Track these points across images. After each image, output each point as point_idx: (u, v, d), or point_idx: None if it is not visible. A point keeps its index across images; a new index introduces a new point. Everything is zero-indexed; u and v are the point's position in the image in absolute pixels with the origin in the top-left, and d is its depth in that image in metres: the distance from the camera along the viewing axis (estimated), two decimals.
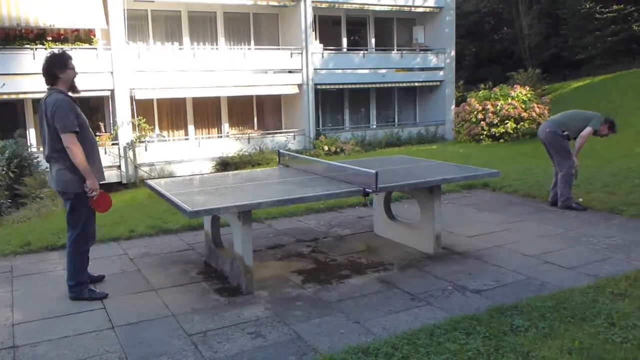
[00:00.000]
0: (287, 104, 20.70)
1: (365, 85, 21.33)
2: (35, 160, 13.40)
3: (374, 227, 6.44)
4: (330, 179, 5.36)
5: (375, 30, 22.75)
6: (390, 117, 23.41)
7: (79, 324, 4.09)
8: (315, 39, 20.47)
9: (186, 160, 17.60)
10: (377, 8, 21.16)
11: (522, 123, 17.07)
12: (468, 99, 18.83)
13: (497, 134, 17.06)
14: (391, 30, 23.28)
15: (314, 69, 19.71)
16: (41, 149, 12.47)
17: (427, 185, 5.29)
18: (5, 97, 15.39)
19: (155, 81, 16.98)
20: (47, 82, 4.45)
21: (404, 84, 22.12)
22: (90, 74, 15.55)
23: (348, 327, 3.90)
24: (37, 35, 15.91)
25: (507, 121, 16.99)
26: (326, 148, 18.45)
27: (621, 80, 21.99)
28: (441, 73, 22.46)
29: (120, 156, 16.73)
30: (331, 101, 21.77)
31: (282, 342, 3.70)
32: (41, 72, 4.45)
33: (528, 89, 18.45)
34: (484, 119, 17.25)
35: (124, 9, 16.52)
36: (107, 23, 16.30)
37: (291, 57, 19.30)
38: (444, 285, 4.67)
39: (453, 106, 22.16)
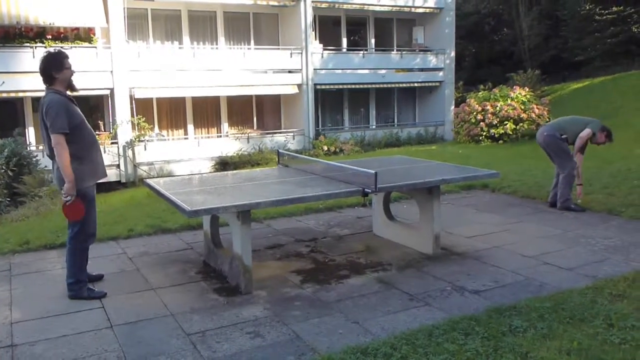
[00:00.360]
0: (286, 104, 20.70)
1: (365, 86, 21.35)
2: (34, 159, 13.40)
3: (373, 227, 6.44)
4: (329, 179, 5.36)
5: (375, 30, 22.76)
6: (389, 117, 23.42)
7: (78, 323, 4.09)
8: (315, 39, 20.47)
9: (185, 159, 17.60)
10: (377, 8, 21.18)
11: (521, 124, 17.09)
12: (467, 100, 18.84)
13: (496, 135, 17.07)
14: (391, 30, 23.29)
15: (314, 69, 19.72)
16: (40, 147, 12.39)
17: (427, 186, 5.29)
18: (4, 95, 15.39)
19: (154, 80, 16.99)
20: (45, 82, 4.46)
21: (404, 85, 22.13)
22: (90, 72, 15.57)
23: (347, 327, 3.90)
24: (36, 34, 15.92)
25: (506, 122, 17.01)
26: (325, 148, 18.46)
27: (621, 81, 22.03)
28: (441, 74, 22.48)
29: (119, 155, 16.74)
30: (331, 101, 21.78)
31: (281, 342, 3.70)
32: (38, 72, 4.46)
33: (527, 90, 18.47)
34: (483, 120, 17.26)
35: (124, 8, 16.52)
36: (107, 22, 16.31)
37: (291, 57, 19.31)
38: (443, 285, 4.67)
39: (452, 107, 22.18)
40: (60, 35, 16.38)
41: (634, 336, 3.48)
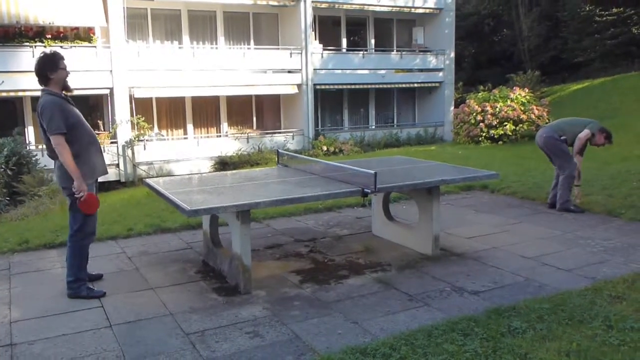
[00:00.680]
0: (286, 104, 20.70)
1: (365, 86, 21.36)
2: (33, 158, 13.41)
3: (373, 227, 6.44)
4: (329, 179, 5.36)
5: (375, 30, 22.77)
6: (389, 117, 23.43)
7: (77, 322, 4.08)
8: (315, 39, 20.48)
9: (185, 159, 17.60)
10: (377, 9, 21.19)
11: (521, 125, 17.10)
12: (467, 101, 18.85)
13: (495, 136, 17.08)
14: (391, 31, 23.30)
15: (314, 69, 19.72)
16: (40, 146, 12.39)
17: (426, 186, 5.29)
18: (4, 94, 15.39)
19: (154, 80, 16.98)
20: (40, 83, 4.49)
21: (403, 85, 22.14)
22: (90, 72, 15.57)
23: (346, 327, 3.90)
24: (36, 33, 15.91)
25: (506, 123, 17.02)
26: (325, 148, 18.46)
27: (620, 83, 22.05)
28: (440, 74, 22.49)
29: (118, 155, 16.74)
30: (330, 101, 21.78)
31: (280, 341, 3.70)
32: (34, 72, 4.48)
33: (527, 91, 18.48)
34: (483, 121, 17.27)
35: (123, 7, 16.52)
36: (107, 21, 16.31)
37: (291, 57, 19.31)
38: (442, 286, 4.67)
39: (452, 107, 22.20)
40: (60, 34, 16.37)
41: (633, 338, 3.48)
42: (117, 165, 16.70)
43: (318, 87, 20.03)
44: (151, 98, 17.95)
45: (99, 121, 17.64)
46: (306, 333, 3.82)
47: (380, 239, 6.13)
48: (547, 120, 16.53)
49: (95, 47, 16.42)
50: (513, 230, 6.41)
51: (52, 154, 4.50)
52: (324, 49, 20.42)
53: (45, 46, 15.16)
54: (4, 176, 12.27)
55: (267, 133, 19.55)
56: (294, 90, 19.39)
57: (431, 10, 22.22)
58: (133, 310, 4.28)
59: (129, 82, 16.72)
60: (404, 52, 22.05)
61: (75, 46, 15.90)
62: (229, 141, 18.71)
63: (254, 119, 20.49)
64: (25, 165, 12.94)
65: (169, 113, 19.04)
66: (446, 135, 22.00)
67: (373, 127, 22.41)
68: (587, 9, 26.02)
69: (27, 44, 15.42)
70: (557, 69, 28.42)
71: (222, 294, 4.61)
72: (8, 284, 4.97)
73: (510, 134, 17.00)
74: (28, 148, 14.69)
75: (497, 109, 17.18)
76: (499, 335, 3.58)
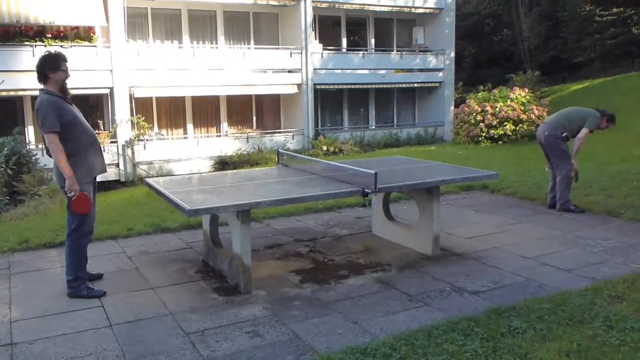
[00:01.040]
0: (286, 104, 20.70)
1: (365, 86, 21.35)
2: (33, 158, 13.40)
3: (373, 227, 6.44)
4: (329, 179, 5.36)
5: (375, 30, 22.76)
6: (389, 117, 23.43)
7: (77, 322, 4.08)
8: (315, 39, 20.47)
9: (185, 158, 17.60)
10: (377, 9, 21.18)
11: (520, 125, 17.10)
12: (467, 101, 18.85)
13: (495, 136, 17.09)
14: (391, 31, 23.29)
15: (314, 68, 19.72)
16: (40, 146, 12.36)
17: (426, 186, 5.29)
18: (4, 94, 15.38)
19: (154, 79, 16.98)
20: (39, 81, 4.51)
21: (403, 85, 22.13)
22: (90, 71, 15.57)
23: (346, 327, 3.90)
24: (36, 33, 15.91)
25: (506, 123, 17.02)
26: (325, 148, 18.46)
27: (620, 83, 22.04)
28: (440, 74, 22.48)
29: (118, 154, 16.74)
30: (330, 101, 21.78)
31: (280, 341, 3.70)
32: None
33: (527, 91, 18.49)
34: (482, 121, 17.27)
35: (124, 7, 16.52)
36: (107, 21, 16.30)
37: (291, 56, 19.31)
38: (442, 286, 4.67)
39: (452, 107, 22.19)
40: (60, 34, 16.37)
41: (633, 338, 3.48)
42: (117, 165, 16.70)
43: (318, 86, 20.02)
44: (151, 98, 17.95)
45: (99, 121, 17.63)
46: (306, 333, 3.82)
47: (380, 239, 6.13)
48: None
49: (95, 46, 16.41)
50: (513, 230, 6.41)
51: (49, 153, 4.52)
52: (324, 49, 20.42)
53: (45, 45, 15.15)
54: (4, 175, 12.27)
55: (267, 133, 19.55)
56: (294, 90, 19.38)
57: (431, 10, 22.22)
58: (133, 310, 4.28)
59: (129, 82, 16.71)
60: (404, 52, 22.04)
61: (75, 45, 15.90)
62: (228, 141, 18.71)
63: (254, 118, 20.48)
64: (25, 165, 12.94)
65: (169, 113, 19.04)
66: (446, 135, 22.00)
67: (373, 127, 22.41)
68: (587, 8, 26.01)
69: (28, 43, 15.41)
70: (557, 69, 28.41)
71: (222, 293, 4.61)
72: (8, 283, 4.97)
73: (510, 134, 17.00)
74: (28, 147, 14.68)
75: (497, 109, 17.18)
76: (499, 335, 3.58)
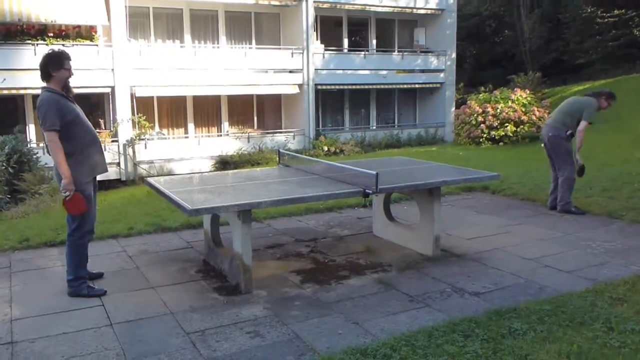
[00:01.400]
0: (287, 104, 20.70)
1: (366, 86, 21.35)
2: (34, 156, 13.41)
3: (373, 228, 6.44)
4: (330, 179, 5.36)
5: (377, 31, 22.76)
6: (390, 118, 23.42)
7: (78, 321, 4.09)
8: (317, 39, 20.47)
9: (186, 158, 17.60)
10: (379, 9, 21.17)
11: (522, 126, 17.09)
12: (468, 102, 18.84)
13: (497, 137, 17.07)
14: (392, 31, 23.29)
15: (315, 69, 19.71)
16: (41, 144, 12.34)
17: (427, 187, 5.30)
18: (5, 92, 15.39)
19: (155, 79, 16.98)
20: (42, 79, 4.51)
21: (405, 86, 22.12)
22: (91, 70, 15.58)
23: (346, 327, 3.90)
24: (38, 31, 15.91)
25: (507, 124, 17.01)
26: (326, 148, 18.45)
27: (622, 84, 22.00)
28: (442, 75, 22.47)
29: (119, 153, 16.74)
30: (331, 101, 21.77)
31: (281, 341, 3.70)
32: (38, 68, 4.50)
33: (528, 92, 18.47)
34: (484, 122, 17.26)
35: (125, 6, 16.52)
36: (109, 20, 16.30)
37: (292, 56, 19.30)
38: (443, 287, 4.67)
39: (453, 108, 22.18)
40: (62, 33, 16.36)
41: (634, 340, 3.48)
42: (118, 164, 16.70)
43: (319, 87, 20.02)
44: (152, 97, 17.95)
45: (100, 120, 17.63)
46: (307, 333, 3.82)
47: (381, 240, 6.13)
48: None
49: (97, 45, 16.41)
50: (514, 231, 6.41)
51: (49, 151, 4.51)
52: (325, 49, 20.41)
53: (47, 44, 15.15)
54: (5, 174, 12.27)
55: (268, 133, 19.55)
56: (295, 90, 19.38)
57: (433, 11, 22.21)
58: (134, 309, 4.28)
59: (131, 81, 16.71)
60: (405, 53, 22.03)
61: (77, 44, 15.89)
62: (229, 140, 18.70)
63: (255, 118, 20.48)
64: (26, 163, 12.94)
65: (170, 112, 19.04)
66: (447, 136, 21.98)
67: (374, 127, 22.40)
68: (589, 10, 25.98)
69: (29, 42, 15.41)
70: (558, 70, 28.39)
71: (222, 293, 4.61)
72: (9, 281, 4.98)
73: (511, 135, 16.99)
74: (29, 146, 14.68)
75: (498, 110, 17.17)
76: (500, 336, 3.58)
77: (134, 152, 16.81)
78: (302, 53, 19.38)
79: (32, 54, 15.01)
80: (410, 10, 21.76)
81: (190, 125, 19.23)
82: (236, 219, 4.52)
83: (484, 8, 32.62)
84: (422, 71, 22.14)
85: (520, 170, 10.60)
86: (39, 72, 4.50)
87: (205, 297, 4.53)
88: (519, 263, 5.25)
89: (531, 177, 9.57)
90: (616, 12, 25.15)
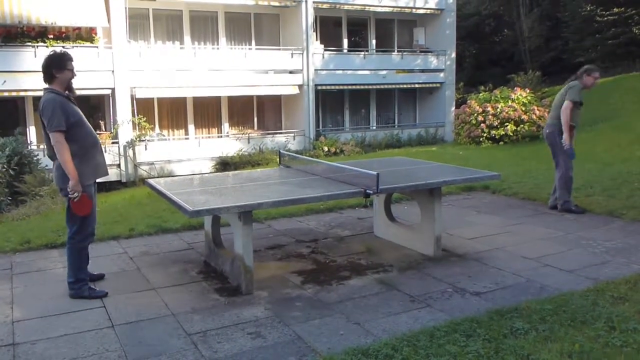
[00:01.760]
0: (287, 105, 20.71)
1: (366, 87, 21.36)
2: (35, 158, 13.41)
3: (374, 228, 6.44)
4: (330, 180, 5.36)
5: (376, 31, 22.77)
6: (390, 118, 23.43)
7: (79, 323, 4.09)
8: (316, 40, 20.48)
9: (186, 159, 17.61)
10: (378, 9, 21.18)
11: (522, 125, 17.06)
12: (468, 101, 18.81)
13: (497, 137, 17.06)
14: (392, 31, 23.30)
15: (315, 69, 19.72)
16: (41, 146, 12.32)
17: (428, 187, 5.29)
18: (6, 94, 15.40)
19: (155, 80, 16.99)
20: (45, 80, 4.48)
21: (404, 86, 22.13)
22: (91, 72, 15.58)
23: (348, 328, 3.90)
24: (38, 33, 15.93)
25: (507, 123, 16.99)
26: (326, 149, 18.46)
27: (621, 83, 22.01)
28: (441, 75, 22.48)
29: (120, 155, 16.75)
30: (331, 102, 21.78)
31: (282, 342, 3.70)
32: (41, 69, 4.48)
33: (528, 91, 18.45)
34: (484, 121, 17.24)
35: (125, 8, 16.54)
36: (109, 21, 16.32)
37: (292, 57, 19.31)
38: (444, 287, 4.67)
39: (453, 108, 22.19)
40: (62, 34, 16.39)
41: (636, 339, 3.47)
42: (119, 166, 16.71)
43: (319, 87, 20.03)
44: (152, 98, 17.97)
45: (100, 121, 17.65)
46: (308, 334, 3.82)
47: (381, 240, 6.13)
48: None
49: (97, 47, 16.43)
50: (514, 231, 6.41)
51: (52, 154, 4.50)
52: (325, 50, 20.42)
53: (47, 46, 15.16)
54: (6, 176, 12.28)
55: (268, 133, 19.56)
56: (295, 90, 19.38)
57: (432, 10, 22.22)
58: (135, 311, 4.28)
59: (131, 82, 16.73)
60: (405, 53, 22.04)
61: (77, 46, 15.91)
62: (230, 141, 18.71)
63: (255, 119, 20.49)
64: (27, 165, 12.95)
65: (170, 113, 19.05)
66: (447, 136, 21.99)
67: (374, 127, 22.41)
68: (588, 9, 25.99)
69: (29, 44, 15.43)
70: (558, 69, 28.39)
71: (223, 294, 4.61)
72: (10, 283, 4.98)
73: (512, 134, 16.97)
74: (29, 148, 14.68)
75: (498, 110, 17.15)
76: (501, 336, 3.58)
77: (134, 153, 16.81)
78: (302, 53, 19.39)
79: (32, 56, 15.03)
80: (410, 10, 21.77)
81: (191, 127, 19.24)
82: (237, 220, 4.52)
83: (483, 7, 32.64)
84: (422, 71, 22.16)
85: (520, 169, 10.59)
86: (39, 74, 4.49)
87: (207, 298, 4.53)
88: (520, 262, 5.25)
89: (531, 177, 9.57)
90: (615, 10, 25.16)
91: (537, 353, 3.35)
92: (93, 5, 16.16)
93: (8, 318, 4.21)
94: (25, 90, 15.27)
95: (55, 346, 3.72)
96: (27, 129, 16.58)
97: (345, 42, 21.97)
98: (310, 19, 19.52)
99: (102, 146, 4.97)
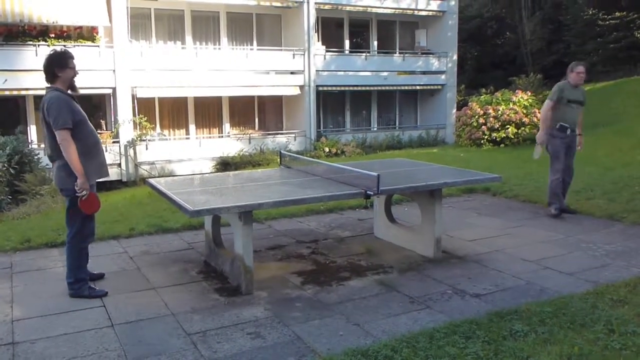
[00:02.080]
0: (288, 105, 20.71)
1: (367, 88, 21.37)
2: (35, 157, 13.42)
3: (374, 229, 6.44)
4: (331, 180, 5.37)
5: (378, 32, 22.78)
6: (391, 119, 23.43)
7: (79, 322, 4.09)
8: (318, 41, 20.49)
9: (187, 159, 17.61)
10: (380, 11, 21.19)
11: (523, 128, 17.07)
12: (469, 103, 18.81)
13: (498, 139, 17.06)
14: (393, 33, 23.31)
15: (316, 70, 19.73)
16: (42, 145, 12.32)
17: (429, 189, 5.30)
18: (7, 93, 15.41)
19: (157, 80, 17.00)
20: (47, 80, 4.46)
21: (406, 87, 22.14)
22: (93, 71, 15.59)
23: (347, 329, 3.90)
24: (39, 32, 15.94)
25: (508, 126, 16.99)
26: (327, 149, 18.46)
27: (623, 87, 22.01)
28: (443, 77, 22.48)
29: (120, 154, 16.75)
30: (332, 103, 21.79)
31: (282, 343, 3.70)
32: (42, 69, 4.47)
33: (530, 94, 18.46)
34: (485, 124, 17.24)
35: (127, 7, 16.55)
36: (110, 21, 16.33)
37: (293, 58, 19.32)
38: (444, 288, 4.67)
39: (454, 110, 22.18)
40: (63, 33, 16.40)
41: (635, 342, 3.47)
42: (119, 165, 16.72)
43: (320, 88, 20.04)
44: (154, 98, 17.97)
45: (101, 121, 17.65)
46: (308, 334, 3.82)
47: (382, 241, 6.13)
48: None
49: (98, 46, 16.44)
50: (515, 233, 6.41)
51: (52, 155, 4.48)
52: (326, 51, 20.43)
53: (48, 45, 15.18)
54: (6, 175, 12.28)
55: (269, 134, 19.56)
56: (297, 91, 19.39)
57: (434, 12, 22.23)
58: (135, 310, 4.28)
59: (132, 82, 16.74)
60: (406, 54, 22.05)
61: (78, 45, 15.92)
62: (230, 142, 18.72)
63: (256, 119, 20.50)
64: (28, 164, 12.95)
65: (171, 113, 19.06)
66: (448, 138, 21.98)
67: (375, 129, 22.41)
68: (590, 12, 25.99)
69: (31, 42, 15.44)
70: (559, 72, 28.14)
71: (223, 294, 4.61)
72: (10, 282, 4.98)
73: (513, 137, 16.97)
74: (30, 147, 14.70)
75: (500, 112, 17.15)
76: (501, 338, 3.58)
77: (135, 153, 16.82)
78: (304, 54, 19.39)
79: (33, 55, 15.04)
80: (412, 11, 21.78)
81: (192, 127, 19.25)
82: (237, 220, 4.53)
83: (485, 10, 32.63)
84: (423, 73, 22.16)
85: (521, 172, 10.59)
86: (40, 73, 4.49)
87: (206, 298, 4.53)
88: (520, 265, 5.25)
89: (532, 179, 9.57)
90: (617, 14, 25.15)
91: (536, 355, 3.35)
92: (95, 4, 16.17)
93: (8, 317, 4.21)
94: (27, 89, 15.28)
95: (54, 345, 3.72)
96: (28, 128, 16.58)
97: (347, 43, 21.97)
98: (312, 20, 19.53)
99: (103, 145, 4.97)
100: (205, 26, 19.42)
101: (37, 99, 15.73)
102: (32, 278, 5.10)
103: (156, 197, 7.47)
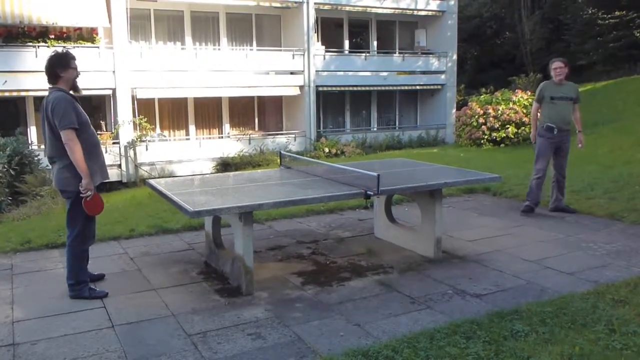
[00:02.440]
0: (288, 105, 20.72)
1: (367, 88, 21.37)
2: (36, 158, 13.42)
3: (375, 229, 6.44)
4: (331, 181, 5.36)
5: (378, 32, 22.79)
6: (391, 120, 23.43)
7: (79, 323, 4.09)
8: (317, 41, 20.49)
9: (187, 160, 17.62)
10: (380, 11, 21.20)
11: (523, 128, 17.06)
12: (469, 103, 18.82)
13: (498, 139, 17.06)
14: (393, 33, 23.31)
15: (316, 70, 19.74)
16: (42, 146, 12.36)
17: (429, 189, 5.29)
18: (7, 94, 15.42)
19: (157, 81, 17.01)
20: (49, 81, 4.45)
21: (406, 87, 22.14)
22: (92, 72, 15.59)
23: (348, 329, 3.90)
24: (39, 33, 15.95)
25: (508, 126, 17.00)
26: (327, 150, 18.47)
27: (623, 86, 22.01)
28: (443, 76, 22.49)
29: (120, 155, 16.76)
30: (332, 103, 21.79)
31: (282, 343, 3.70)
32: (43, 70, 4.46)
33: (529, 93, 18.46)
34: (485, 123, 17.25)
35: (126, 8, 16.56)
36: (110, 22, 16.34)
37: (293, 58, 19.33)
38: (444, 289, 4.67)
39: (454, 110, 22.19)
40: (63, 35, 16.41)
41: (636, 342, 3.47)
42: (119, 166, 16.72)
43: (320, 88, 20.04)
44: (153, 99, 17.98)
45: (101, 121, 17.65)
46: (308, 335, 3.82)
47: (382, 241, 6.13)
48: None
49: (98, 47, 16.45)
50: (515, 233, 6.40)
51: (53, 156, 4.47)
52: (326, 51, 20.44)
53: (48, 46, 15.19)
54: (7, 176, 12.28)
55: (269, 134, 19.57)
56: (296, 91, 19.40)
57: (434, 12, 22.23)
58: (135, 311, 4.28)
59: (132, 83, 16.74)
60: (406, 54, 22.06)
61: (78, 46, 15.93)
62: (230, 142, 18.72)
63: (256, 120, 20.50)
64: (28, 165, 12.95)
65: (171, 114, 19.07)
66: (448, 138, 21.98)
67: (375, 129, 22.41)
68: (590, 12, 26.00)
69: (30, 44, 15.45)
70: None
71: (224, 295, 4.61)
72: (10, 283, 4.98)
73: (513, 136, 16.97)
74: (30, 148, 14.70)
75: (499, 112, 17.16)
76: (502, 338, 3.57)
77: (135, 153, 16.83)
78: (303, 55, 19.40)
79: (33, 56, 15.05)
80: (411, 11, 21.79)
81: (192, 127, 19.26)
82: (237, 220, 4.52)
83: (484, 10, 32.63)
84: (423, 73, 22.17)
85: (521, 172, 10.57)
86: (40, 74, 4.49)
87: (207, 299, 4.53)
88: (521, 265, 5.24)
89: None
90: (617, 13, 25.16)
91: (537, 355, 3.34)
92: (94, 5, 16.18)
93: (8, 318, 4.21)
94: (27, 90, 15.29)
95: (55, 346, 3.72)
96: (28, 129, 16.59)
97: (347, 43, 21.98)
98: (312, 20, 19.54)
99: (103, 146, 4.97)
100: (205, 27, 19.43)
101: (37, 100, 15.74)
102: (32, 279, 5.09)
103: (156, 198, 7.47)
